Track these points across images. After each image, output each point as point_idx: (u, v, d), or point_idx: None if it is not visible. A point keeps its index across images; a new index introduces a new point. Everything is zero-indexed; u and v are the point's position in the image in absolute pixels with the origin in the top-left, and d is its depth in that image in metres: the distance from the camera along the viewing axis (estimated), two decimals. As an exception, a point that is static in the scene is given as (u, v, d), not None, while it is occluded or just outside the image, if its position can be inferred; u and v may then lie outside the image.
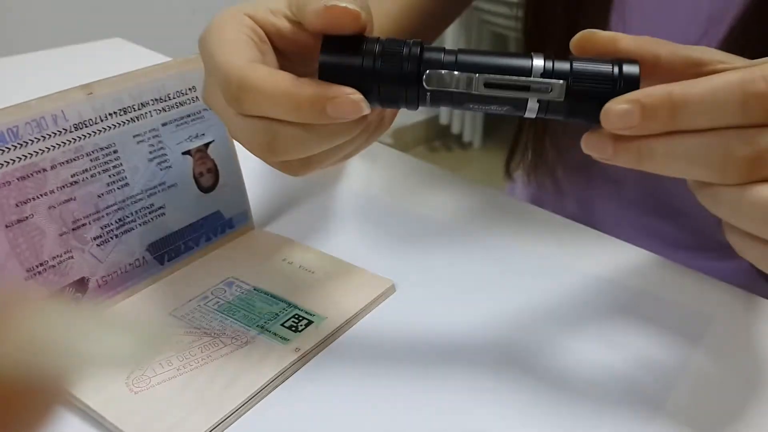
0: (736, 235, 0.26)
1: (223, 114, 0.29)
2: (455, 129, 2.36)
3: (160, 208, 0.40)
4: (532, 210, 0.51)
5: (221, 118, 0.30)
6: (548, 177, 0.61)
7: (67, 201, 0.35)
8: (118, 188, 0.37)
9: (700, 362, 0.36)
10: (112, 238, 0.37)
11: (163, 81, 0.39)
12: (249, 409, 0.32)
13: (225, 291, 0.39)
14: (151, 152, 0.39)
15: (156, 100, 0.39)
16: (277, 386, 0.34)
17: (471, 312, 0.39)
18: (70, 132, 0.35)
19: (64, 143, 0.34)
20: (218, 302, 0.38)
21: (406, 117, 2.23)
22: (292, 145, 0.28)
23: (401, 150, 0.61)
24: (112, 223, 0.37)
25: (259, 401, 0.33)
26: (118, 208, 0.38)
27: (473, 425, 0.32)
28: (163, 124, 0.39)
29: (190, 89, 0.40)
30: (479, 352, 0.36)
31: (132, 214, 0.38)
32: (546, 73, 0.27)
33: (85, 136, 0.35)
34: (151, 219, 0.39)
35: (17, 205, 0.33)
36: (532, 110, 0.27)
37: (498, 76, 0.27)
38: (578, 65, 0.27)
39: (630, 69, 0.26)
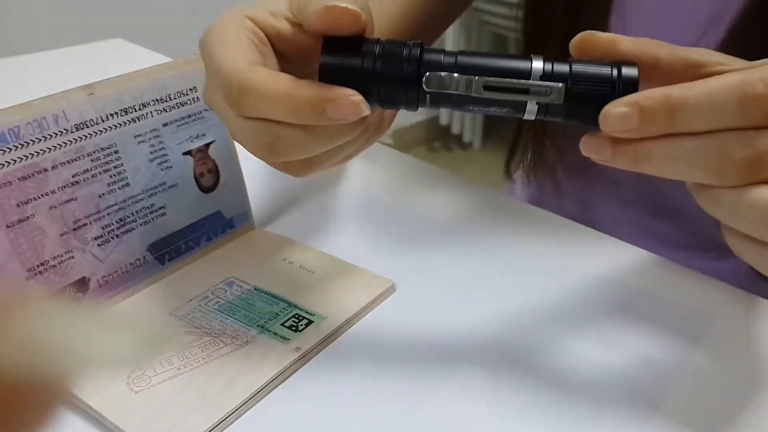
0: (735, 237, 0.26)
1: (224, 115, 0.30)
2: (455, 129, 2.36)
3: (160, 208, 0.40)
4: (532, 210, 0.51)
5: (222, 119, 0.30)
6: (548, 177, 0.61)
7: (68, 201, 0.35)
8: (119, 188, 0.38)
9: (699, 362, 0.36)
10: (112, 238, 0.38)
11: (164, 81, 0.39)
12: (249, 409, 0.32)
13: (225, 291, 0.39)
14: (152, 152, 0.39)
15: (157, 100, 0.39)
16: (277, 386, 0.34)
17: (471, 312, 0.39)
18: (72, 132, 0.35)
19: (65, 143, 0.35)
20: (219, 302, 0.38)
21: (406, 117, 2.23)
22: (293, 146, 0.28)
23: (401, 150, 0.61)
24: (112, 223, 0.37)
25: (259, 401, 0.33)
26: (119, 208, 0.38)
27: (473, 424, 0.32)
28: (164, 125, 0.39)
29: (190, 89, 0.40)
30: (479, 351, 0.36)
31: (133, 214, 0.38)
32: (545, 76, 0.27)
33: (86, 136, 0.35)
34: (152, 219, 0.40)
35: (18, 205, 0.33)
36: (531, 112, 0.27)
37: (497, 79, 0.27)
38: (577, 67, 0.27)
39: (629, 71, 0.27)
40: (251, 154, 0.30)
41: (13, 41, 1.32)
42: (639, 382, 0.34)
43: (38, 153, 0.33)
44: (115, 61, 0.80)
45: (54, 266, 0.35)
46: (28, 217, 0.33)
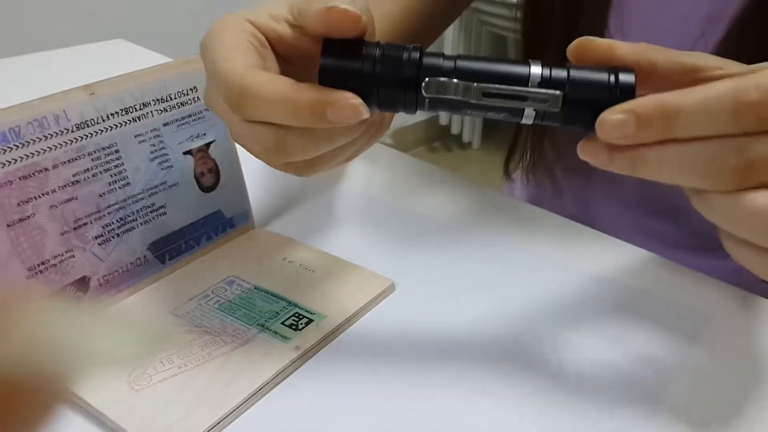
0: (732, 241, 0.26)
1: (225, 117, 0.30)
2: (455, 129, 2.36)
3: (161, 207, 0.40)
4: (531, 210, 0.51)
5: (224, 121, 0.30)
6: (547, 177, 0.62)
7: (69, 200, 0.35)
8: (120, 188, 0.38)
9: (699, 360, 0.36)
10: (113, 237, 0.38)
11: (165, 81, 0.39)
12: (250, 407, 0.32)
13: (226, 290, 0.40)
14: (152, 152, 0.39)
15: (157, 100, 0.39)
16: (277, 384, 0.34)
17: (470, 310, 0.39)
18: (72, 132, 0.35)
19: (66, 143, 0.35)
20: (219, 301, 0.39)
21: (406, 118, 2.22)
22: (295, 147, 0.28)
23: (401, 150, 0.61)
24: (113, 223, 0.38)
25: (259, 399, 0.33)
26: (120, 208, 0.38)
27: (473, 422, 0.32)
28: (165, 124, 0.39)
29: (191, 89, 0.40)
30: (478, 350, 0.36)
31: (133, 213, 0.39)
32: (543, 81, 0.27)
33: (86, 135, 0.36)
34: (153, 218, 0.40)
35: (19, 204, 0.33)
36: (528, 117, 0.28)
37: (495, 86, 0.27)
38: (575, 73, 0.27)
39: (626, 78, 0.27)
40: (253, 156, 0.31)
41: (14, 41, 1.32)
42: (639, 381, 0.34)
43: (39, 152, 0.34)
44: (116, 61, 0.80)
45: (55, 265, 0.35)
46: (28, 216, 0.34)
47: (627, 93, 0.26)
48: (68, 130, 0.35)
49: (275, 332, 0.36)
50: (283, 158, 0.29)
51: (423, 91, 0.27)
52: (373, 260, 0.43)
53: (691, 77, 0.27)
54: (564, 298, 0.41)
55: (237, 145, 0.42)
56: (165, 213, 0.40)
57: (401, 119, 2.21)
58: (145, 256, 0.40)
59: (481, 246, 0.46)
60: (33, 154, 0.33)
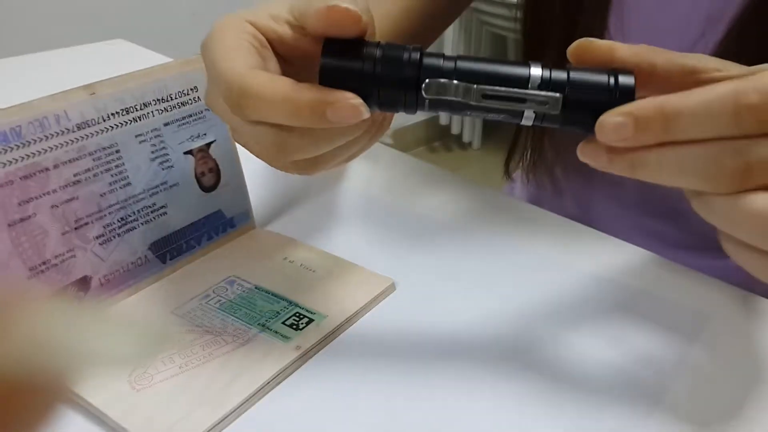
0: (731, 243, 0.26)
1: (226, 118, 0.30)
2: (455, 129, 2.36)
3: (162, 207, 0.40)
4: (531, 209, 0.51)
5: (225, 121, 0.30)
6: (547, 177, 0.62)
7: (70, 200, 0.35)
8: (121, 187, 0.38)
9: (698, 360, 0.36)
10: (114, 237, 0.38)
11: (165, 81, 0.39)
12: (250, 407, 0.32)
13: (226, 289, 0.40)
14: (153, 152, 0.39)
15: (158, 100, 0.39)
16: (278, 384, 0.34)
17: (470, 310, 0.39)
18: (73, 132, 0.35)
19: (67, 143, 0.35)
20: (220, 301, 0.39)
21: (407, 118, 2.22)
22: (297, 147, 0.28)
23: (402, 150, 0.61)
24: (114, 222, 0.38)
25: (260, 398, 0.33)
26: (121, 208, 0.38)
27: (473, 422, 0.32)
28: (165, 124, 0.39)
29: (191, 89, 0.40)
30: (478, 349, 0.36)
31: (134, 213, 0.39)
32: (543, 83, 0.27)
33: (87, 135, 0.36)
34: (153, 218, 0.40)
35: (20, 204, 0.33)
36: (528, 118, 0.28)
37: (495, 88, 0.27)
38: (575, 75, 0.27)
39: (625, 80, 0.27)
40: (253, 156, 0.31)
41: (15, 41, 1.32)
42: (639, 380, 0.34)
43: (40, 152, 0.34)
44: (117, 61, 0.80)
45: (56, 265, 0.35)
46: (29, 216, 0.34)
47: (626, 95, 0.27)
48: (69, 130, 0.35)
49: (276, 332, 0.36)
50: (285, 157, 0.29)
51: (423, 93, 0.27)
52: (374, 260, 0.43)
53: (691, 79, 0.27)
54: (564, 298, 0.41)
55: (237, 145, 0.42)
56: (166, 213, 0.40)
57: (401, 119, 2.21)
58: (146, 256, 0.40)
59: (481, 246, 0.46)
60: (34, 154, 0.33)
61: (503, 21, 1.92)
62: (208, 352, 0.35)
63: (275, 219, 0.48)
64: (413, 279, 0.42)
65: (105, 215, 0.37)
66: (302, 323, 0.37)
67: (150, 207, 0.39)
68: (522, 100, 0.27)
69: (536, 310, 0.39)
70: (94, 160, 0.36)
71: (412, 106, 0.28)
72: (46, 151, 0.34)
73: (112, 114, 0.37)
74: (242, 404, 0.32)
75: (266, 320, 0.37)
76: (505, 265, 0.44)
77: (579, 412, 0.33)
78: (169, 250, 0.41)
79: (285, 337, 0.36)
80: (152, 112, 0.39)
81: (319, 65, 0.27)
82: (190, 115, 0.41)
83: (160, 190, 0.40)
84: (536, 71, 0.27)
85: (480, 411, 0.33)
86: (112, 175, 0.37)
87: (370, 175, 0.55)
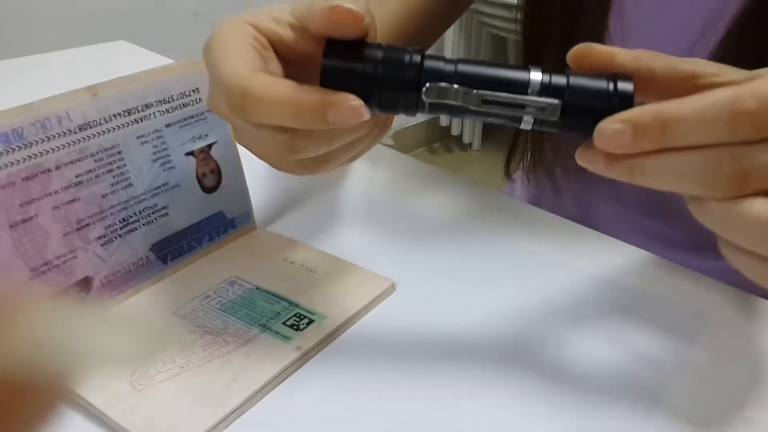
0: (729, 248, 0.26)
1: (229, 120, 0.30)
2: (455, 131, 2.36)
3: (163, 208, 0.40)
4: (531, 210, 0.51)
5: (228, 123, 0.30)
6: (547, 177, 0.62)
7: (72, 201, 0.35)
8: (122, 188, 0.38)
9: (698, 360, 0.36)
10: (116, 237, 0.38)
11: (167, 83, 0.39)
12: (251, 407, 0.33)
13: (227, 290, 0.40)
14: (154, 153, 0.39)
15: (160, 101, 0.39)
16: (278, 384, 0.34)
17: (470, 311, 0.39)
18: (75, 133, 0.35)
19: (69, 144, 0.35)
20: (221, 301, 0.39)
21: (407, 119, 2.23)
22: (300, 147, 0.28)
23: (402, 152, 0.61)
24: (116, 223, 0.38)
25: (260, 399, 0.33)
26: (122, 208, 0.38)
27: (473, 422, 0.32)
28: (167, 125, 0.40)
29: (193, 91, 0.41)
30: (478, 350, 0.36)
31: (136, 214, 0.39)
32: (543, 88, 0.27)
33: (89, 137, 0.36)
34: (155, 219, 0.40)
35: (22, 206, 0.33)
36: (527, 123, 0.28)
37: (495, 93, 0.27)
38: (574, 80, 0.27)
39: (624, 86, 0.27)
40: (255, 157, 0.31)
41: (17, 43, 1.32)
42: (638, 381, 0.35)
43: (41, 153, 0.34)
44: (118, 62, 0.80)
45: (57, 266, 0.35)
46: (31, 217, 0.34)
47: (625, 101, 0.27)
48: (71, 131, 0.35)
49: (276, 332, 0.36)
50: (289, 157, 0.29)
51: (423, 96, 0.28)
52: (374, 261, 0.43)
53: (690, 84, 0.27)
54: (564, 299, 0.41)
55: (239, 146, 0.42)
56: (167, 214, 0.41)
57: (402, 120, 2.22)
58: (147, 257, 0.40)
59: (481, 246, 0.46)
60: (36, 155, 0.34)
61: (503, 22, 1.92)
62: (208, 352, 0.35)
63: (276, 220, 0.48)
64: (413, 279, 0.42)
65: (106, 216, 0.37)
66: (303, 324, 0.37)
67: (151, 208, 0.40)
68: (521, 106, 0.27)
69: (536, 311, 0.40)
70: (95, 161, 0.36)
71: (412, 108, 0.29)
72: (47, 152, 0.34)
73: (114, 115, 0.37)
74: (243, 404, 0.32)
75: (267, 321, 0.37)
76: (505, 265, 0.44)
77: (579, 412, 0.33)
78: (171, 250, 0.41)
79: (285, 338, 0.36)
80: (154, 113, 0.39)
81: (320, 66, 0.28)
82: (192, 117, 0.41)
83: (162, 191, 0.40)
84: (536, 76, 0.27)
85: (480, 411, 0.33)
86: (113, 176, 0.37)
87: (370, 176, 0.55)
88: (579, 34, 0.48)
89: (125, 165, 0.38)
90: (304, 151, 0.29)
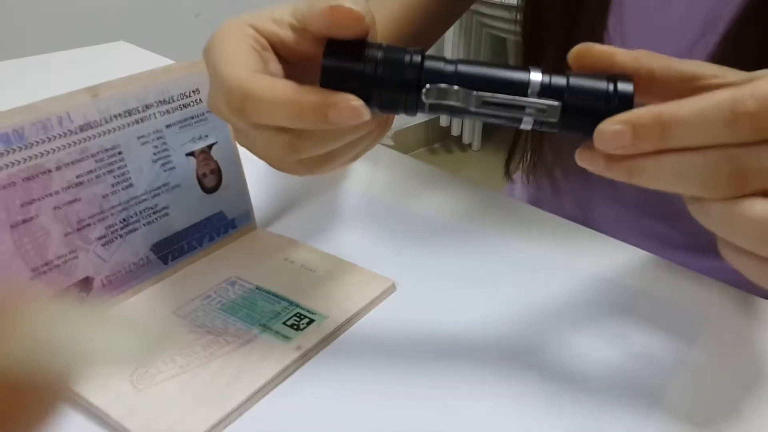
0: (728, 248, 0.27)
1: (230, 121, 0.30)
2: (455, 131, 2.37)
3: (164, 208, 0.40)
4: (531, 210, 0.51)
5: (230, 124, 0.31)
6: (547, 178, 0.62)
7: (72, 201, 0.36)
8: (123, 189, 0.38)
9: (697, 360, 0.36)
10: (116, 238, 0.38)
11: (167, 83, 0.39)
12: (251, 406, 0.33)
13: (228, 290, 0.40)
14: (155, 153, 0.39)
15: (160, 102, 0.39)
16: (278, 384, 0.34)
17: (470, 311, 0.39)
18: (75, 134, 0.35)
19: (69, 145, 0.35)
20: (221, 301, 0.39)
21: (407, 120, 2.24)
22: (304, 146, 0.29)
23: (402, 152, 0.61)
24: (116, 224, 0.38)
25: (261, 399, 0.33)
26: (123, 209, 0.38)
27: (473, 422, 0.32)
28: (167, 126, 0.40)
29: (193, 92, 0.41)
30: (478, 350, 0.37)
31: (136, 214, 0.39)
32: (543, 88, 0.27)
33: (90, 137, 0.36)
34: (155, 219, 0.40)
35: (22, 206, 0.33)
36: (527, 123, 0.28)
37: (495, 95, 0.27)
38: (574, 81, 0.27)
39: (624, 86, 0.27)
40: (255, 157, 0.31)
41: (17, 43, 1.32)
42: (638, 381, 0.35)
43: (42, 154, 0.34)
44: (119, 63, 0.80)
45: (58, 266, 0.35)
46: (32, 218, 0.34)
47: (625, 102, 0.27)
48: (71, 131, 0.35)
49: (277, 332, 0.36)
50: (292, 156, 0.29)
51: (423, 98, 0.28)
52: (374, 261, 0.43)
53: (690, 85, 0.27)
54: (564, 299, 0.41)
55: (239, 147, 0.42)
56: (168, 214, 0.41)
57: (402, 121, 2.22)
58: (147, 257, 0.40)
59: (481, 246, 0.46)
60: (36, 155, 0.34)
61: (503, 23, 1.92)
62: (209, 352, 0.35)
63: (276, 220, 0.48)
64: (413, 279, 0.42)
65: (107, 216, 0.37)
66: (303, 324, 0.37)
67: (152, 208, 0.40)
68: (521, 107, 0.27)
69: (536, 311, 0.40)
70: (96, 161, 0.36)
71: (412, 109, 0.29)
72: (48, 152, 0.34)
73: (115, 116, 0.37)
74: (243, 404, 0.32)
75: (267, 320, 0.37)
76: (505, 265, 0.44)
77: (579, 412, 0.33)
78: (171, 251, 0.41)
79: (286, 338, 0.36)
80: (154, 114, 0.39)
81: (320, 67, 0.28)
82: (192, 117, 0.41)
83: (162, 192, 0.40)
84: (536, 77, 0.27)
85: (480, 411, 0.33)
86: (114, 177, 0.37)
87: (370, 176, 0.55)
88: (578, 34, 0.48)
89: (126, 165, 0.38)
90: (305, 151, 0.29)
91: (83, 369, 0.12)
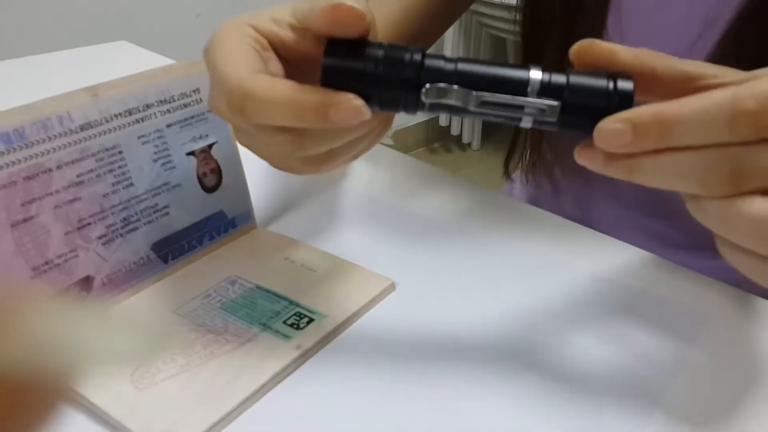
0: (727, 246, 0.27)
1: (230, 121, 0.30)
2: (455, 131, 2.37)
3: (164, 207, 0.40)
4: (531, 210, 0.51)
5: (230, 124, 0.31)
6: (546, 177, 0.62)
7: (73, 201, 0.36)
8: (123, 188, 0.38)
9: (697, 360, 0.36)
10: (116, 237, 0.38)
11: (168, 83, 0.39)
12: (251, 405, 0.33)
13: (228, 289, 0.40)
14: (155, 153, 0.39)
15: (160, 101, 0.39)
16: (279, 383, 0.34)
17: (470, 310, 0.39)
18: (76, 133, 0.35)
19: (70, 144, 0.35)
20: (221, 300, 0.39)
21: (407, 119, 2.24)
22: (307, 145, 0.29)
23: (402, 151, 0.62)
24: (117, 223, 0.38)
25: (261, 397, 0.33)
26: (123, 208, 0.38)
27: (473, 422, 0.32)
28: (168, 126, 0.40)
29: (194, 91, 0.41)
30: (478, 349, 0.37)
31: (137, 213, 0.39)
32: (543, 87, 0.27)
33: (90, 137, 0.36)
34: (156, 218, 0.40)
35: (23, 205, 0.33)
36: (527, 121, 0.28)
37: (494, 95, 0.27)
38: (574, 79, 0.27)
39: (624, 85, 0.27)
40: (255, 156, 0.31)
41: (17, 43, 1.32)
42: (638, 381, 0.35)
43: (43, 153, 0.34)
44: (119, 63, 0.80)
45: (58, 265, 0.35)
46: (32, 217, 0.34)
47: (625, 100, 0.27)
48: (72, 131, 0.35)
49: (277, 331, 0.36)
50: (292, 156, 0.29)
51: (423, 98, 0.28)
52: (374, 260, 0.43)
53: (690, 85, 0.27)
54: (563, 299, 0.41)
55: (239, 146, 0.42)
56: (168, 213, 0.41)
57: (402, 120, 2.22)
58: (148, 256, 0.40)
59: (481, 246, 0.46)
60: (37, 155, 0.34)
61: (503, 23, 1.92)
62: (209, 351, 0.35)
63: (276, 219, 0.48)
64: (413, 279, 0.42)
65: (108, 215, 0.37)
66: (303, 323, 0.37)
67: (152, 207, 0.40)
68: (520, 107, 0.27)
69: (536, 311, 0.40)
70: (96, 161, 0.36)
71: (412, 107, 0.29)
72: (49, 152, 0.34)
73: (115, 115, 0.37)
74: (243, 403, 0.32)
75: (267, 320, 0.37)
76: (504, 265, 0.44)
77: (579, 412, 0.33)
78: (171, 250, 0.41)
79: (286, 337, 0.36)
80: (155, 113, 0.39)
81: (321, 66, 0.28)
82: (192, 117, 0.41)
83: (163, 191, 0.40)
84: (536, 75, 0.27)
85: (480, 410, 0.33)
86: (114, 176, 0.37)
87: (370, 176, 0.55)
88: (578, 35, 0.48)
89: (126, 165, 0.38)
90: (305, 150, 0.29)
91: (84, 368, 0.12)
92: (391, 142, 2.23)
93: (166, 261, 0.41)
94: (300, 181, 0.53)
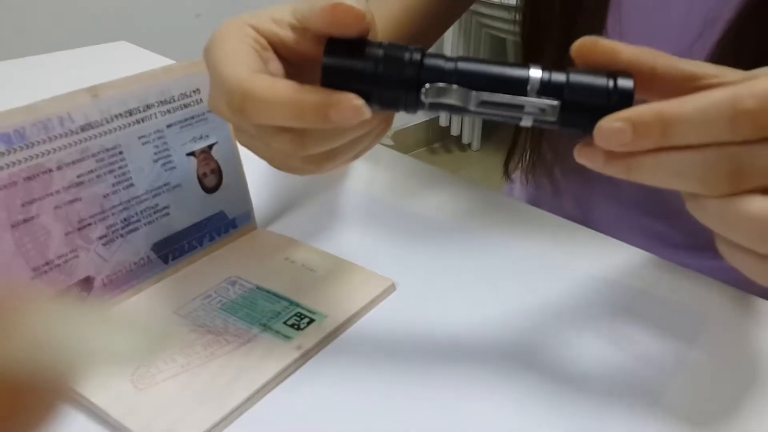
0: (726, 245, 0.27)
1: (231, 121, 0.30)
2: (455, 131, 2.37)
3: (164, 208, 0.40)
4: (530, 210, 0.51)
5: (231, 124, 0.31)
6: (546, 177, 0.62)
7: (73, 201, 0.36)
8: (124, 189, 0.38)
9: (697, 360, 0.36)
10: (117, 237, 0.38)
11: (168, 83, 0.39)
12: (252, 406, 0.33)
13: (228, 289, 0.40)
14: (155, 153, 0.39)
15: (161, 102, 0.39)
16: (279, 383, 0.34)
17: (470, 310, 0.39)
18: (76, 133, 0.35)
19: (70, 144, 0.35)
20: (221, 301, 0.39)
21: (407, 119, 2.24)
22: (309, 144, 0.29)
23: (402, 152, 0.62)
24: (117, 223, 0.38)
25: (261, 398, 0.33)
26: (124, 208, 0.38)
27: (473, 422, 0.32)
28: (168, 126, 0.40)
29: (194, 92, 0.41)
30: (478, 349, 0.37)
31: (137, 214, 0.39)
32: (543, 85, 0.27)
33: (90, 137, 0.36)
34: (156, 219, 0.40)
35: (23, 205, 0.33)
36: (527, 120, 0.28)
37: (494, 95, 0.27)
38: (574, 78, 0.27)
39: (624, 83, 0.27)
40: (255, 156, 0.31)
41: (18, 43, 1.32)
42: (638, 381, 0.35)
43: (43, 154, 0.34)
44: (119, 63, 0.80)
45: (59, 265, 0.35)
46: (33, 217, 0.34)
47: (625, 98, 0.27)
48: (72, 131, 0.35)
49: (277, 332, 0.36)
50: (292, 156, 0.29)
51: (422, 97, 0.28)
52: (374, 260, 0.43)
53: (690, 85, 0.27)
54: (563, 299, 0.41)
55: (239, 147, 0.42)
56: (168, 214, 0.41)
57: (402, 121, 2.22)
58: (148, 257, 0.40)
59: (481, 246, 0.46)
60: (37, 155, 0.34)
61: (502, 23, 1.92)
62: (209, 351, 0.35)
63: (276, 220, 0.48)
64: (413, 279, 0.42)
65: (108, 216, 0.37)
66: (303, 323, 0.37)
67: (153, 208, 0.40)
68: (520, 106, 0.27)
69: (536, 311, 0.40)
70: (97, 161, 0.36)
71: (412, 106, 0.29)
72: (49, 152, 0.34)
73: (116, 116, 0.37)
74: (244, 403, 0.32)
75: (267, 320, 0.37)
76: (504, 265, 0.44)
77: (579, 412, 0.33)
78: (172, 250, 0.41)
79: (286, 337, 0.36)
80: (155, 114, 0.39)
81: (321, 66, 0.28)
82: (193, 117, 0.41)
83: (163, 191, 0.40)
84: (535, 74, 0.27)
85: (480, 411, 0.33)
86: (115, 177, 0.37)
87: (370, 176, 0.55)
88: (577, 34, 0.48)
89: (126, 165, 0.38)
90: (306, 150, 0.29)
91: (84, 368, 0.12)
92: (391, 143, 2.23)
93: (166, 261, 0.41)
94: (300, 181, 0.53)
